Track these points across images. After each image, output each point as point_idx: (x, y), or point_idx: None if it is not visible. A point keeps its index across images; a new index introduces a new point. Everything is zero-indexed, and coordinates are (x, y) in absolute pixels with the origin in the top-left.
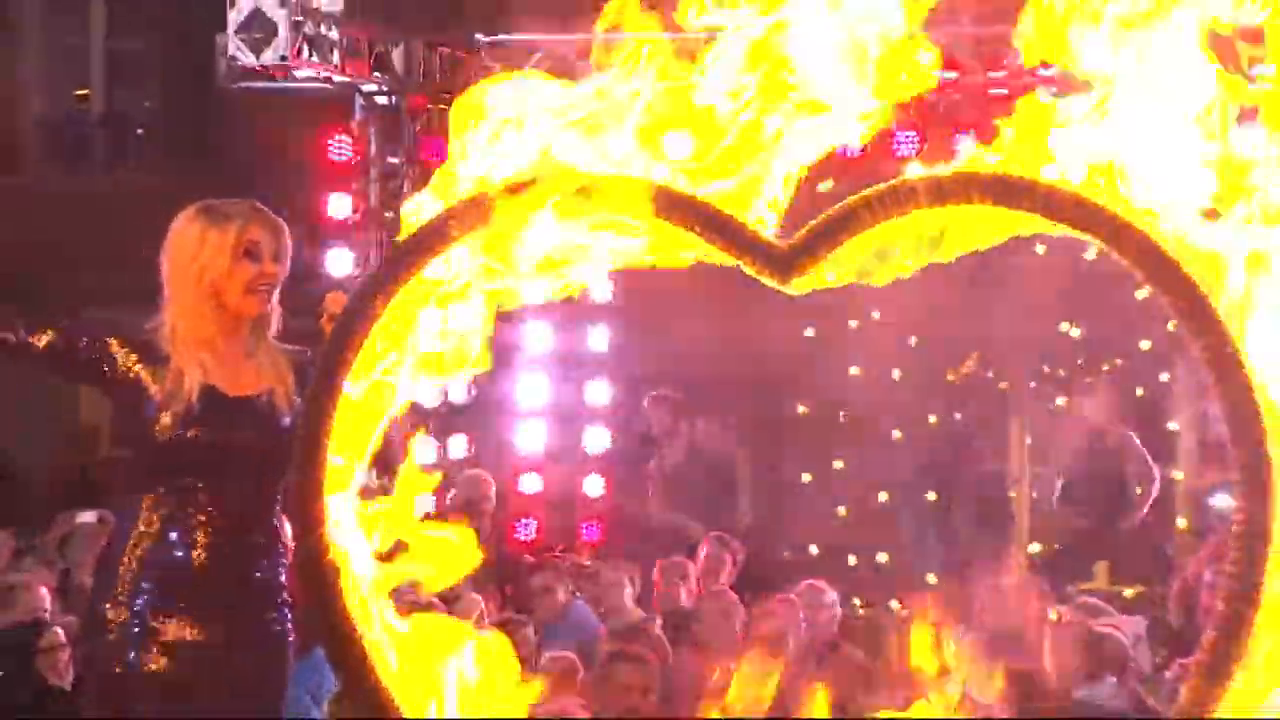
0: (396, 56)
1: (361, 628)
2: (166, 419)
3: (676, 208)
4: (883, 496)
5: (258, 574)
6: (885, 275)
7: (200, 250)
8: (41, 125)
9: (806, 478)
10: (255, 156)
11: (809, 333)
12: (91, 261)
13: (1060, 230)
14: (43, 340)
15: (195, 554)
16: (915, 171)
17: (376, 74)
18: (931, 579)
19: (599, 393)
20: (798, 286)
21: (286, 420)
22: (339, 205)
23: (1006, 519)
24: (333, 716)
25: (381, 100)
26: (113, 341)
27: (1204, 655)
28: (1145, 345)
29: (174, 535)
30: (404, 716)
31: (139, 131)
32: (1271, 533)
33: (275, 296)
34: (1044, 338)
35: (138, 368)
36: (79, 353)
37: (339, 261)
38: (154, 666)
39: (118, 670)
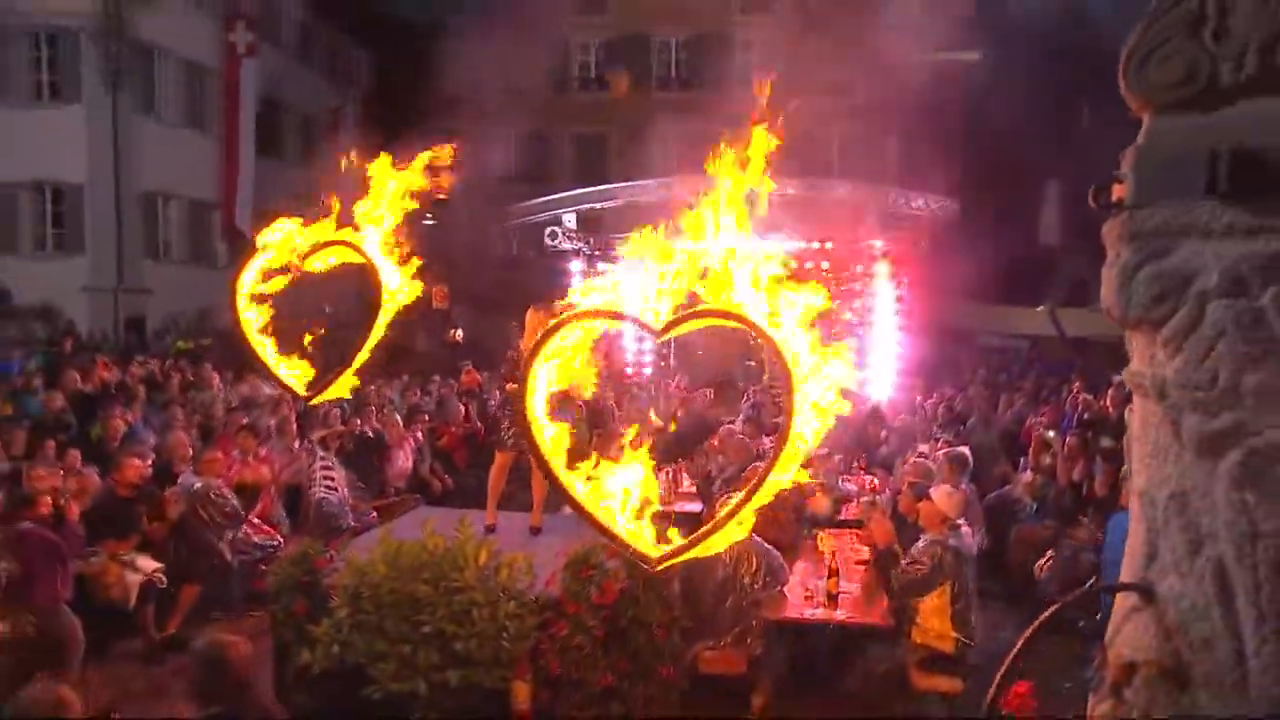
0: (592, 239)
1: (534, 418)
2: (512, 357)
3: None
4: None
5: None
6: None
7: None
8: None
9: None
10: (552, 275)
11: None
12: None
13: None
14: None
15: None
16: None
17: (585, 245)
18: None
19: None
20: (664, 337)
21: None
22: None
23: None
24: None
25: (588, 253)
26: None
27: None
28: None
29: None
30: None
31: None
32: (794, 384)
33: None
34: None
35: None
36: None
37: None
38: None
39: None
